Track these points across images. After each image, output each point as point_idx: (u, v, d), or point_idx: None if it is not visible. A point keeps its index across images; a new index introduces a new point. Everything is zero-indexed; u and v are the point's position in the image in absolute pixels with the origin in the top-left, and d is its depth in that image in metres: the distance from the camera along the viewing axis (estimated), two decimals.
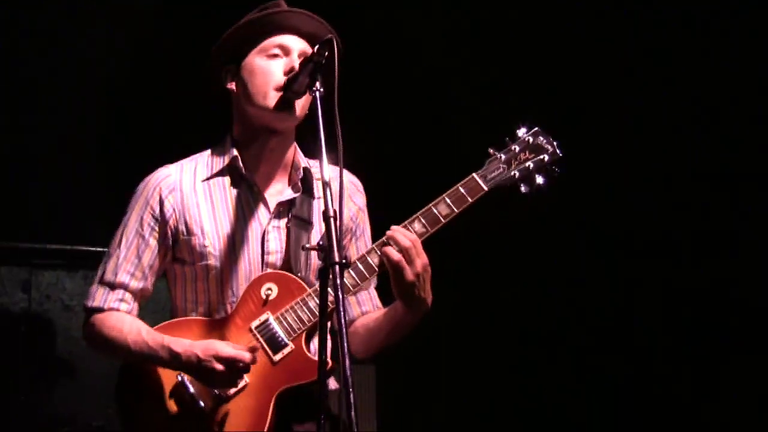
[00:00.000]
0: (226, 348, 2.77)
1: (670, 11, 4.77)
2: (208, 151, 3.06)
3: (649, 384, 5.00)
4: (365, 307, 3.10)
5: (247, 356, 2.76)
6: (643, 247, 5.04)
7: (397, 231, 2.84)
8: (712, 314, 4.79)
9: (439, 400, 5.21)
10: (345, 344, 2.30)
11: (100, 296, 2.95)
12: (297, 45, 2.95)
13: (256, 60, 2.94)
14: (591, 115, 4.96)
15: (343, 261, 2.40)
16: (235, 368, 2.75)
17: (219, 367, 2.74)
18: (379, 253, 2.86)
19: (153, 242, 2.95)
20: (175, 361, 2.80)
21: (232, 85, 3.00)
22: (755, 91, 4.66)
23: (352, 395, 2.25)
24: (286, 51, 2.93)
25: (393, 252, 2.81)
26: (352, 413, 2.24)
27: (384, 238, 2.87)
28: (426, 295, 2.85)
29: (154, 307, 3.03)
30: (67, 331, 4.38)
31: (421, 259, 2.81)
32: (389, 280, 2.86)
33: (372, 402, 4.68)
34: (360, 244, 3.10)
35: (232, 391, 2.82)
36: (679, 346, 4.92)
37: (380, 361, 4.76)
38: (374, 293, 3.13)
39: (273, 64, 2.92)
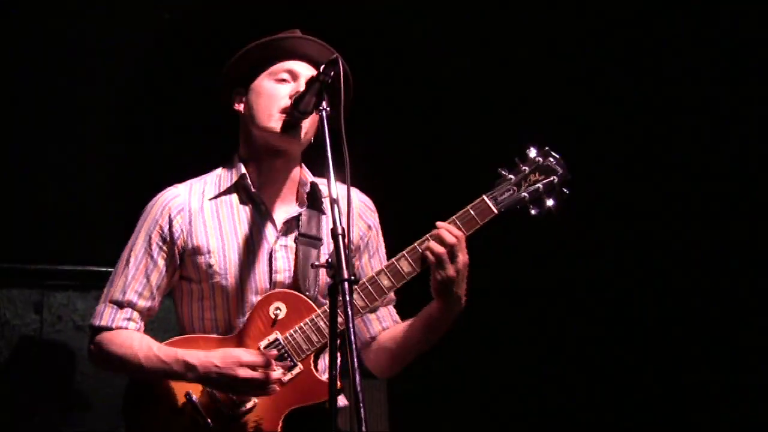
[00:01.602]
0: (246, 354, 2.78)
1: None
2: (217, 170, 3.08)
3: (659, 388, 5.01)
4: (386, 323, 3.11)
5: (269, 360, 2.78)
6: (649, 250, 5.04)
7: (444, 226, 2.86)
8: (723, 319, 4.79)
9: (451, 417, 5.15)
10: (355, 359, 2.30)
11: (108, 315, 2.95)
12: (306, 72, 2.97)
13: (264, 83, 2.97)
14: (602, 128, 4.97)
15: (353, 278, 2.40)
16: (258, 374, 2.76)
17: (242, 373, 2.75)
18: (410, 259, 2.87)
19: (161, 262, 2.96)
20: (190, 373, 2.80)
21: (240, 107, 3.03)
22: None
23: (363, 411, 2.25)
24: (294, 76, 2.96)
25: (437, 245, 2.81)
26: (363, 428, 2.24)
27: (422, 239, 2.87)
28: (463, 293, 2.87)
29: (163, 326, 3.02)
30: (80, 352, 4.37)
31: (464, 256, 2.83)
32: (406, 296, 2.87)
33: (384, 417, 4.66)
34: (374, 263, 3.11)
35: (241, 410, 2.82)
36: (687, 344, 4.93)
37: (392, 377, 4.80)
38: (393, 310, 3.14)
39: (280, 88, 2.95)
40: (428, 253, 2.83)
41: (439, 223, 2.88)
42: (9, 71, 4.38)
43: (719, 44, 4.72)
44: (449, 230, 2.84)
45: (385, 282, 2.89)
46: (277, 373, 2.79)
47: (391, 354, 3.05)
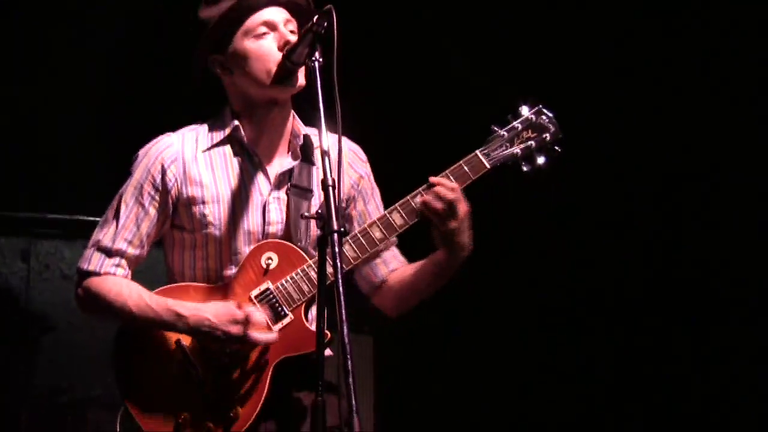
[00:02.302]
0: (239, 310, 2.79)
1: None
2: (208, 122, 3.06)
3: (655, 378, 5.04)
4: (392, 265, 3.12)
5: (263, 318, 2.81)
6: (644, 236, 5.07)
7: (438, 180, 2.87)
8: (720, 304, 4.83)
9: (436, 372, 5.22)
10: (343, 311, 2.31)
11: (96, 260, 2.94)
12: (280, 17, 2.93)
13: (245, 44, 2.92)
14: (594, 98, 4.95)
15: (342, 229, 2.42)
16: (250, 332, 2.77)
17: (234, 329, 2.77)
18: (402, 212, 2.89)
19: (152, 211, 2.94)
20: (181, 323, 2.81)
21: (224, 73, 2.98)
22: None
23: (350, 363, 2.27)
24: (272, 26, 2.92)
25: (435, 201, 2.82)
26: (350, 380, 2.26)
27: (419, 189, 2.88)
28: (468, 240, 2.88)
29: (149, 278, 3.01)
30: (67, 301, 4.33)
31: (464, 206, 2.84)
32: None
33: (370, 372, 4.69)
34: (370, 208, 3.11)
35: (231, 359, 2.83)
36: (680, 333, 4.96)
37: (378, 331, 4.79)
38: (397, 251, 3.15)
39: (264, 44, 2.91)
40: (425, 209, 2.84)
41: (432, 179, 2.87)
42: None
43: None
44: (445, 185, 2.85)
45: (377, 234, 2.91)
46: (267, 335, 2.81)
47: (399, 295, 3.08)
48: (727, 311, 4.80)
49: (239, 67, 2.94)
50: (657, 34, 4.88)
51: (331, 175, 2.46)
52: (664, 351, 4.98)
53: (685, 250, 4.93)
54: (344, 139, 3.00)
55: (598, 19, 4.90)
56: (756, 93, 4.70)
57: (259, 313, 2.83)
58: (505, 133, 2.99)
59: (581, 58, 4.94)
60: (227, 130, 2.99)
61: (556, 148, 3.01)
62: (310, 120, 2.90)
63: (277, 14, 2.94)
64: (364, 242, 2.91)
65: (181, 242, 2.99)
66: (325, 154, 2.49)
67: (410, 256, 3.14)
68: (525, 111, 3.03)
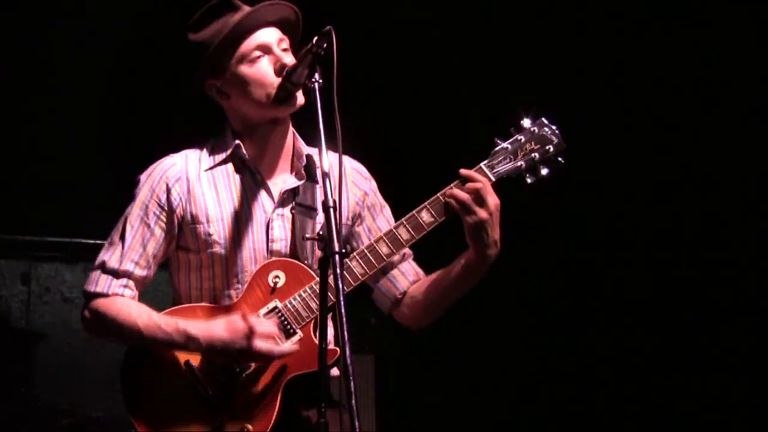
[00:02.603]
0: (253, 324, 2.77)
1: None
2: (209, 142, 3.07)
3: (652, 384, 5.00)
4: (412, 277, 3.11)
5: (273, 329, 2.80)
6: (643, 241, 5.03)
7: (469, 172, 2.89)
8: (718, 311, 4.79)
9: (435, 390, 5.20)
10: (345, 333, 2.31)
11: (103, 282, 2.94)
12: (273, 37, 2.95)
13: (241, 69, 2.93)
14: (595, 108, 4.94)
15: (344, 251, 2.43)
16: (265, 346, 2.77)
17: (250, 344, 2.76)
18: (432, 211, 2.90)
19: (158, 231, 2.95)
20: (192, 344, 2.80)
21: (222, 98, 3.00)
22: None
23: (352, 384, 2.27)
24: (266, 49, 2.93)
25: (460, 192, 2.85)
26: (353, 401, 2.26)
27: (449, 186, 2.89)
28: (497, 237, 2.87)
29: (154, 300, 3.01)
30: (67, 323, 4.39)
31: (493, 198, 2.85)
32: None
33: (371, 391, 4.71)
34: (380, 223, 3.11)
35: (242, 378, 2.83)
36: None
37: (379, 351, 4.83)
38: (413, 263, 3.14)
39: (261, 68, 2.92)
40: (455, 202, 2.85)
41: (463, 171, 2.90)
42: None
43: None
44: (475, 177, 2.87)
45: (384, 249, 2.92)
46: (283, 347, 2.80)
47: (423, 306, 3.05)
48: (727, 312, 4.77)
49: (237, 92, 2.96)
50: (659, 38, 4.87)
51: (331, 196, 2.47)
52: (665, 351, 4.96)
53: (684, 250, 4.91)
54: (347, 159, 3.04)
55: (598, 26, 4.91)
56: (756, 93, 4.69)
57: (270, 324, 2.82)
58: (509, 146, 2.99)
59: (582, 65, 4.95)
60: (229, 150, 3.00)
61: (560, 159, 3.02)
62: (310, 139, 2.90)
63: (270, 35, 2.95)
64: (371, 258, 2.91)
65: (187, 264, 2.99)
66: (325, 175, 2.50)
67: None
68: (527, 123, 3.04)
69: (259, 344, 2.77)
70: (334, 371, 2.92)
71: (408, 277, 3.10)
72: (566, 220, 5.10)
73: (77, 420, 4.38)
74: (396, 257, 3.03)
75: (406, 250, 3.08)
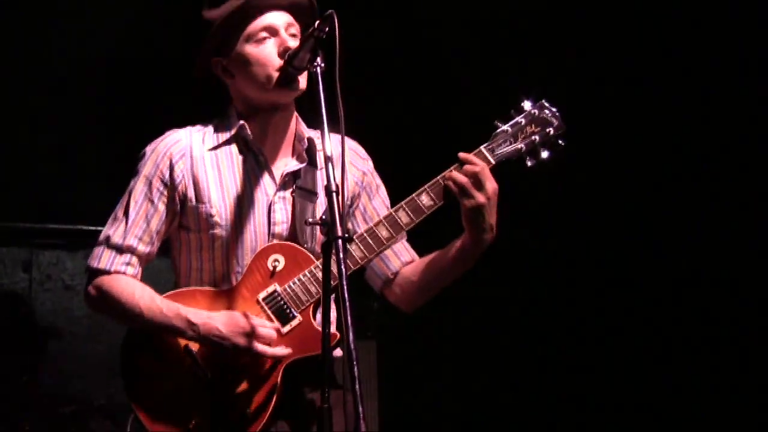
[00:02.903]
0: (250, 322, 2.80)
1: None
2: (213, 122, 3.08)
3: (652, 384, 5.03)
4: (405, 258, 3.11)
5: (272, 332, 2.81)
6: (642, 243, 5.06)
7: (468, 155, 2.89)
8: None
9: (437, 374, 5.25)
10: (348, 317, 2.32)
11: (106, 258, 2.94)
12: (281, 21, 2.95)
13: (246, 49, 2.94)
14: (595, 91, 4.97)
15: (346, 235, 2.42)
16: (259, 345, 2.79)
17: (243, 342, 2.78)
18: (432, 194, 2.91)
19: (161, 207, 2.95)
20: (191, 330, 2.82)
21: (226, 76, 3.01)
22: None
23: (356, 369, 2.27)
24: (273, 31, 2.93)
25: (459, 175, 2.86)
26: (357, 386, 2.26)
27: (449, 169, 2.90)
28: (494, 222, 2.88)
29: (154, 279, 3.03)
30: (69, 311, 4.43)
31: (491, 183, 2.85)
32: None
33: (374, 376, 4.74)
34: (375, 204, 3.12)
35: (242, 361, 2.84)
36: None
37: (381, 336, 4.85)
38: (407, 244, 3.15)
39: (265, 49, 2.92)
40: (453, 184, 2.86)
41: (461, 154, 2.90)
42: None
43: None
44: (474, 161, 2.88)
45: (384, 233, 2.92)
46: (276, 350, 2.82)
47: (417, 287, 3.06)
48: (727, 312, 4.81)
49: (241, 72, 2.96)
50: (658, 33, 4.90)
51: (334, 181, 2.47)
52: (665, 352, 4.99)
53: (685, 250, 4.93)
54: (345, 138, 3.04)
55: (598, 15, 4.91)
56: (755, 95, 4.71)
57: (268, 327, 2.83)
58: (509, 129, 2.98)
59: (584, 53, 4.97)
60: (233, 130, 3.01)
61: (560, 142, 3.01)
62: (313, 123, 2.91)
63: (278, 18, 2.95)
64: (371, 242, 2.92)
65: (188, 243, 2.99)
66: (328, 159, 2.51)
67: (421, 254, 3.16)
68: (528, 105, 3.02)
69: (254, 345, 2.79)
70: (337, 352, 2.95)
71: (401, 257, 3.11)
72: (568, 206, 5.11)
73: (80, 408, 4.42)
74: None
75: (402, 233, 3.08)
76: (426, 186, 2.92)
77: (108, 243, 2.95)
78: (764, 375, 4.68)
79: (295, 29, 2.95)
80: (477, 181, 2.84)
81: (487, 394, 5.20)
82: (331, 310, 2.63)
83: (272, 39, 2.93)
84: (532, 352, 5.23)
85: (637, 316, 5.05)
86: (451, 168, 2.91)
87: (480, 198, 2.83)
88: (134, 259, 2.96)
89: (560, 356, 5.19)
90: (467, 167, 2.87)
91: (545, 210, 5.08)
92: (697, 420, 4.80)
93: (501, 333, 5.20)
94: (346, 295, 2.33)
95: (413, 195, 2.93)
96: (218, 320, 2.82)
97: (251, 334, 2.79)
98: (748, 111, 4.73)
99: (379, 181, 3.17)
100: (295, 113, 3.07)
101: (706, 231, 4.85)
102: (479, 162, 2.89)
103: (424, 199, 2.92)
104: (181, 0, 3.74)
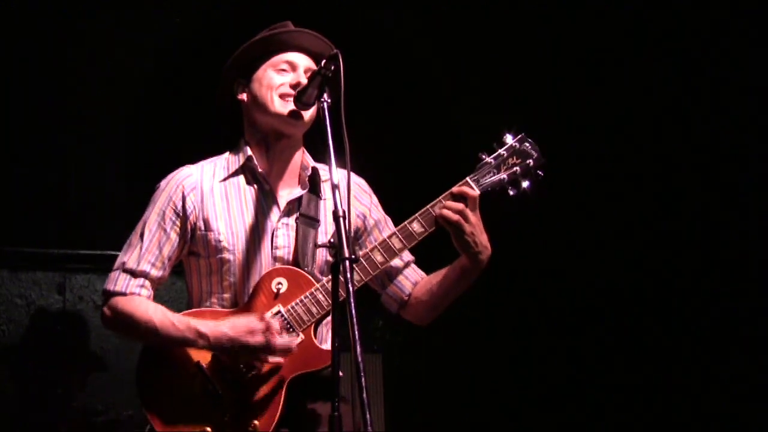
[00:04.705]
0: (254, 321, 2.93)
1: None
2: (225, 154, 3.25)
3: (653, 384, 5.07)
4: (414, 279, 3.26)
5: (276, 324, 2.94)
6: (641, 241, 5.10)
7: (460, 189, 3.04)
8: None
9: (441, 387, 5.31)
10: (356, 332, 2.43)
11: (122, 281, 3.07)
12: (303, 62, 3.17)
13: (266, 73, 3.15)
14: (581, 120, 5.08)
15: (353, 257, 2.54)
16: (265, 340, 2.92)
17: (252, 340, 2.91)
18: (423, 222, 3.04)
19: (173, 235, 3.10)
20: (202, 340, 2.94)
21: (243, 96, 3.20)
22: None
23: (363, 379, 2.36)
24: (293, 67, 3.15)
25: (450, 213, 2.99)
26: (364, 395, 2.35)
27: (437, 199, 3.04)
28: (485, 242, 3.03)
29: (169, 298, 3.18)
30: (99, 329, 4.33)
31: (475, 215, 3.01)
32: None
33: (380, 387, 4.87)
34: (386, 235, 3.17)
35: (249, 376, 2.96)
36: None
37: (386, 350, 4.98)
38: (415, 266, 3.29)
39: (281, 77, 3.14)
40: (441, 221, 3.01)
41: (455, 189, 3.06)
42: (31, 66, 4.51)
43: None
44: (465, 193, 3.03)
45: (379, 258, 3.05)
46: (283, 339, 2.94)
47: (430, 304, 3.20)
48: (727, 312, 4.85)
49: (254, 92, 3.16)
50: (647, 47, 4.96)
51: (341, 206, 2.59)
52: (665, 352, 5.03)
53: (684, 250, 4.99)
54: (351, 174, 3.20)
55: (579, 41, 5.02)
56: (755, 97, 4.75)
57: (271, 321, 2.94)
58: (492, 160, 3.12)
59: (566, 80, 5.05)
60: (241, 160, 3.17)
61: (539, 172, 3.14)
62: (320, 156, 3.04)
63: (301, 59, 3.17)
64: (366, 266, 3.05)
65: (198, 269, 3.14)
66: (335, 187, 2.61)
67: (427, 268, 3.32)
68: (509, 139, 3.16)
69: (260, 338, 2.90)
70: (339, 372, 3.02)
71: (411, 279, 3.25)
72: (565, 218, 5.16)
73: (109, 418, 4.53)
74: (399, 264, 3.20)
75: (409, 257, 3.24)
76: (417, 214, 3.06)
77: (123, 268, 3.08)
78: (764, 375, 4.69)
79: None
80: (464, 215, 2.99)
81: (487, 404, 5.28)
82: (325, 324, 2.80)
83: (291, 73, 3.14)
84: (536, 361, 5.29)
85: (635, 328, 5.10)
86: (440, 197, 3.04)
87: (467, 228, 3.00)
88: (147, 283, 3.09)
89: (562, 365, 5.25)
90: (453, 203, 3.01)
91: (540, 223, 5.12)
92: (697, 420, 4.86)
93: (500, 346, 5.29)
94: (354, 311, 2.43)
95: (405, 222, 3.07)
96: (225, 325, 2.94)
97: (255, 331, 2.91)
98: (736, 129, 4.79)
99: (384, 214, 3.32)
100: (303, 148, 3.23)
101: (697, 237, 4.92)
102: (468, 192, 3.03)
103: (416, 227, 3.05)
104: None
